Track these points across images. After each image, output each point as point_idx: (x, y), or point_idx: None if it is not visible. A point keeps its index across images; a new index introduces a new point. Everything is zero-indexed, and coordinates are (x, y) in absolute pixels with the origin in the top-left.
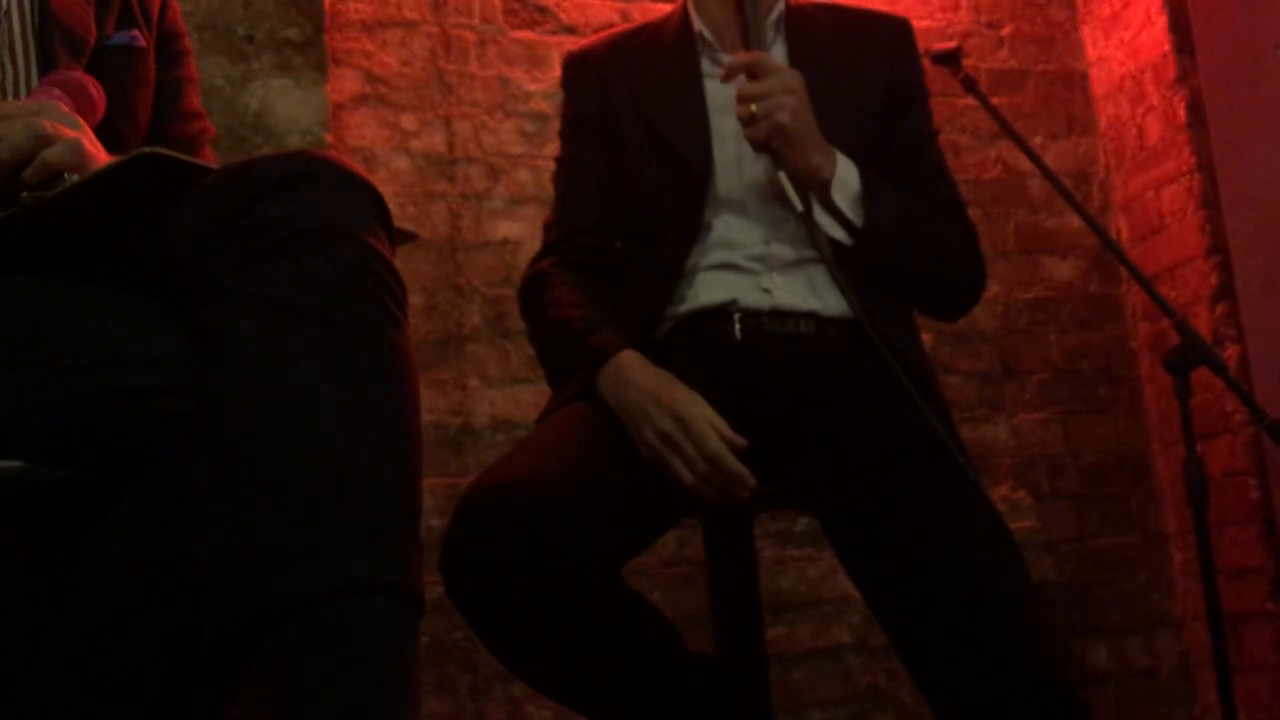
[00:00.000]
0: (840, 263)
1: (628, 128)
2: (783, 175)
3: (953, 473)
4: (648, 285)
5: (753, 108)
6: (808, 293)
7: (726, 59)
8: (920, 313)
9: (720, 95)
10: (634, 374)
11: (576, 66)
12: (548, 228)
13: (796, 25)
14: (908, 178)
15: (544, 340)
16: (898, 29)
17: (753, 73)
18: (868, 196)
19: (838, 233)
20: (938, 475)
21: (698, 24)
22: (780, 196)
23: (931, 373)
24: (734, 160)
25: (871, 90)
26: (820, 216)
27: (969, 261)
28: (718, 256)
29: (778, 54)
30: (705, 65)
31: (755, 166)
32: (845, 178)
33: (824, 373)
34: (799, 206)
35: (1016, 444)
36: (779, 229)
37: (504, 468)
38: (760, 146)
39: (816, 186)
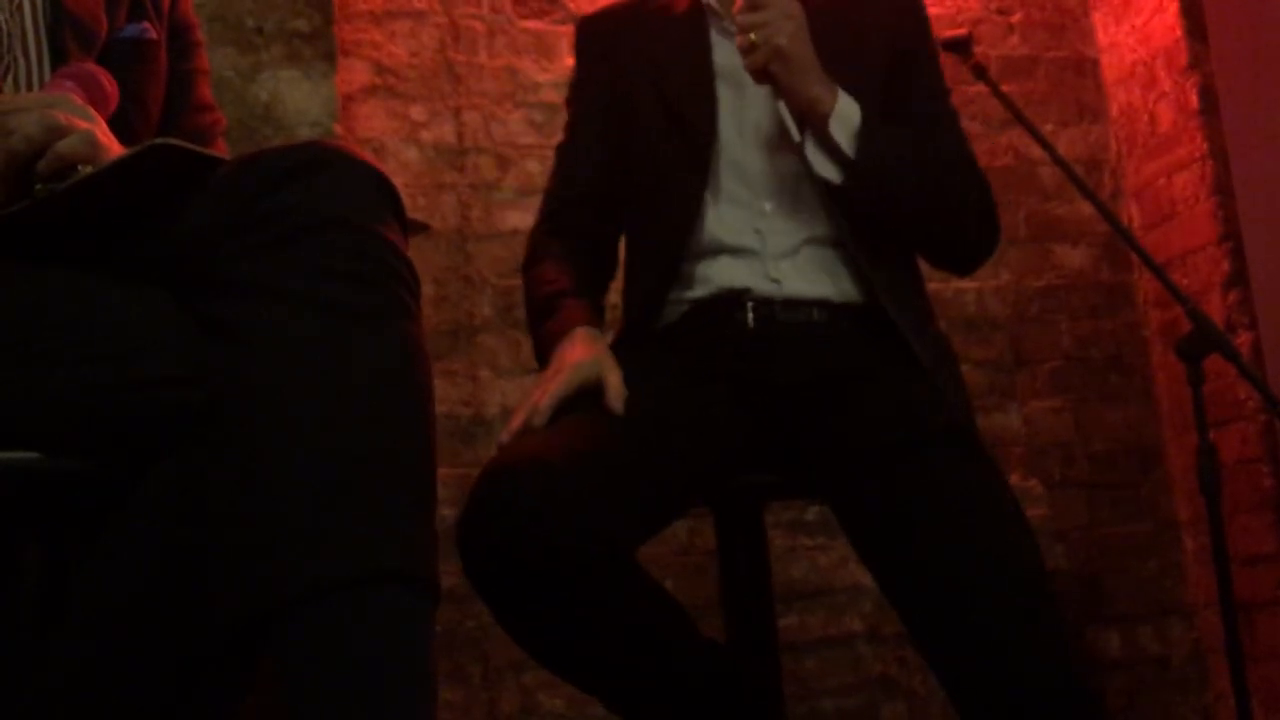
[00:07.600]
0: (836, 202)
1: (638, 93)
2: (782, 106)
3: (966, 458)
4: (653, 262)
5: (752, 36)
6: (816, 278)
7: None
8: (931, 265)
9: (727, 64)
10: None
11: (589, 31)
12: (545, 195)
13: None
14: (919, 131)
15: (527, 315)
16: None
17: (753, 4)
18: (866, 133)
19: (829, 171)
20: (951, 461)
21: None
22: (790, 149)
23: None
24: (736, 127)
25: (874, 62)
26: (814, 157)
27: (980, 209)
28: (722, 234)
29: None
30: (714, 35)
31: (759, 134)
32: (846, 112)
33: (836, 361)
34: (796, 137)
35: (1028, 432)
36: (787, 203)
37: (520, 448)
38: (760, 75)
39: (815, 119)
